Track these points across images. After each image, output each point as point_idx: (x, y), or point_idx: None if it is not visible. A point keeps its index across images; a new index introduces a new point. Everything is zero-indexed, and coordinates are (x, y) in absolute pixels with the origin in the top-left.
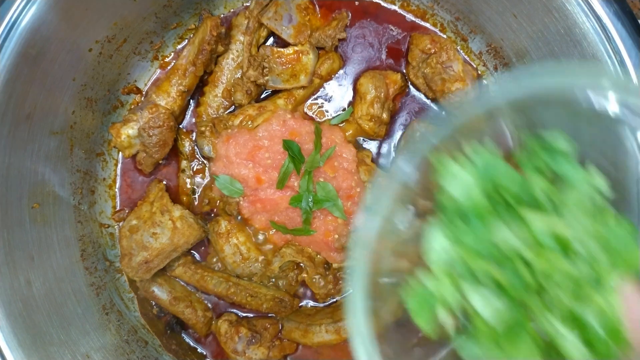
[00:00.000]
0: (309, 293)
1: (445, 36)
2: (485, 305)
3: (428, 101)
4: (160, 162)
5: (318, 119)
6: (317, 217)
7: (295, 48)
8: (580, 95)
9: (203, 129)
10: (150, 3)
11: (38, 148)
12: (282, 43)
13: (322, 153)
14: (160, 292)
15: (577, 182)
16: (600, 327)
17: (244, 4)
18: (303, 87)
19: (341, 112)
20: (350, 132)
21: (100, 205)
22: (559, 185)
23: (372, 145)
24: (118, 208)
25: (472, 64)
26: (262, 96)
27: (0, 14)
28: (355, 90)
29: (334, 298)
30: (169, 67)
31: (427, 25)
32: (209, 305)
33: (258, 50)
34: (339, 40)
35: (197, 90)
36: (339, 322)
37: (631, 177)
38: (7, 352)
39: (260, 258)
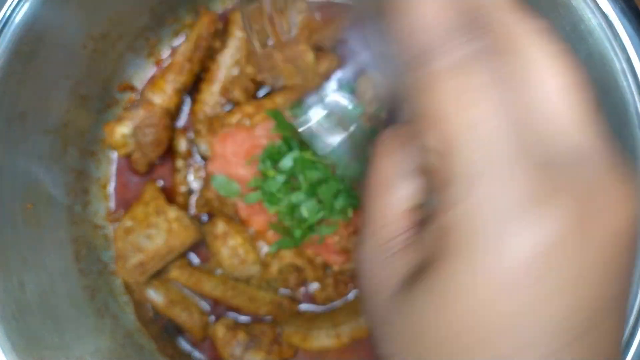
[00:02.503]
0: (308, 296)
1: None
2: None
3: None
4: (156, 161)
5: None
6: None
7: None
8: None
9: (199, 127)
10: None
11: (32, 147)
12: None
13: None
14: (155, 295)
15: None
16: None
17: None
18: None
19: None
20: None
21: (94, 205)
22: None
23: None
24: (113, 209)
25: None
26: (261, 95)
27: None
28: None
29: (334, 301)
30: (164, 64)
31: None
32: (207, 308)
33: None
34: (338, 40)
35: (194, 88)
36: (339, 326)
37: None
38: (0, 356)
39: (259, 260)
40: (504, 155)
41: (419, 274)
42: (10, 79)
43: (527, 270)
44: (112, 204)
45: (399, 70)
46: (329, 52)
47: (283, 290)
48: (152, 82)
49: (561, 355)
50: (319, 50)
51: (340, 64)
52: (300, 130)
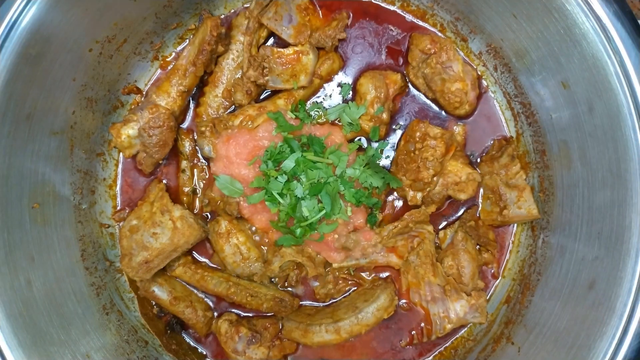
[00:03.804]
0: (309, 293)
1: (445, 36)
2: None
3: (428, 101)
4: (161, 162)
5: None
6: None
7: (295, 48)
8: None
9: (203, 129)
10: (150, 3)
11: (38, 148)
12: (282, 43)
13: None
14: (160, 292)
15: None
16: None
17: (244, 4)
18: (303, 87)
19: (338, 104)
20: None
21: (100, 205)
22: None
23: (372, 145)
24: (118, 208)
25: (472, 64)
26: (262, 96)
27: (1, 14)
28: (355, 90)
29: (334, 298)
30: (169, 68)
31: (427, 25)
32: (210, 305)
33: (258, 51)
34: (339, 40)
35: (198, 91)
36: (339, 322)
37: None
38: (7, 352)
39: (261, 258)
40: None
41: None
42: (17, 81)
43: None
44: (118, 204)
45: None
46: (331, 52)
47: (284, 287)
48: (157, 84)
49: None
50: (320, 50)
51: (342, 65)
52: None
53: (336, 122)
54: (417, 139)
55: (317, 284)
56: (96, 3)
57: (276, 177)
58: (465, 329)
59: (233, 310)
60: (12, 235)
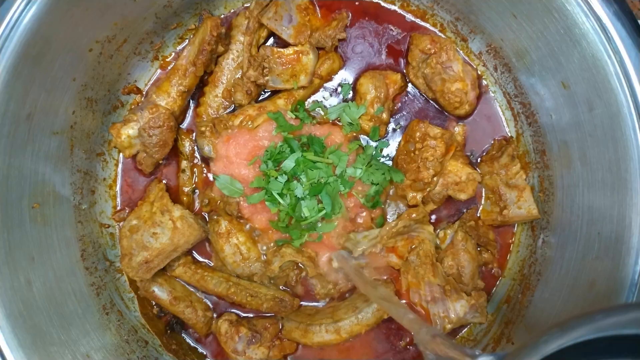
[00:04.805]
0: (309, 293)
1: (445, 36)
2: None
3: (428, 101)
4: (161, 162)
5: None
6: None
7: (295, 48)
8: None
9: (203, 129)
10: (150, 3)
11: (38, 148)
12: (282, 43)
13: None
14: (160, 292)
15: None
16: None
17: (244, 4)
18: (303, 87)
19: (339, 103)
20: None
21: (100, 205)
22: None
23: (372, 145)
24: (118, 208)
25: (472, 64)
26: (262, 96)
27: (1, 14)
28: (355, 90)
29: (334, 298)
30: (169, 68)
31: (427, 25)
32: (209, 305)
33: (258, 51)
34: (339, 40)
35: (198, 91)
36: (339, 322)
37: None
38: (7, 352)
39: (261, 258)
40: None
41: None
42: (17, 81)
43: None
44: (118, 204)
45: None
46: (331, 52)
47: (284, 287)
48: (157, 84)
49: None
50: (320, 50)
51: (342, 65)
52: None
53: (336, 121)
54: (417, 139)
55: (317, 283)
56: (96, 3)
57: (276, 177)
58: (465, 329)
59: (233, 310)
60: (12, 235)
